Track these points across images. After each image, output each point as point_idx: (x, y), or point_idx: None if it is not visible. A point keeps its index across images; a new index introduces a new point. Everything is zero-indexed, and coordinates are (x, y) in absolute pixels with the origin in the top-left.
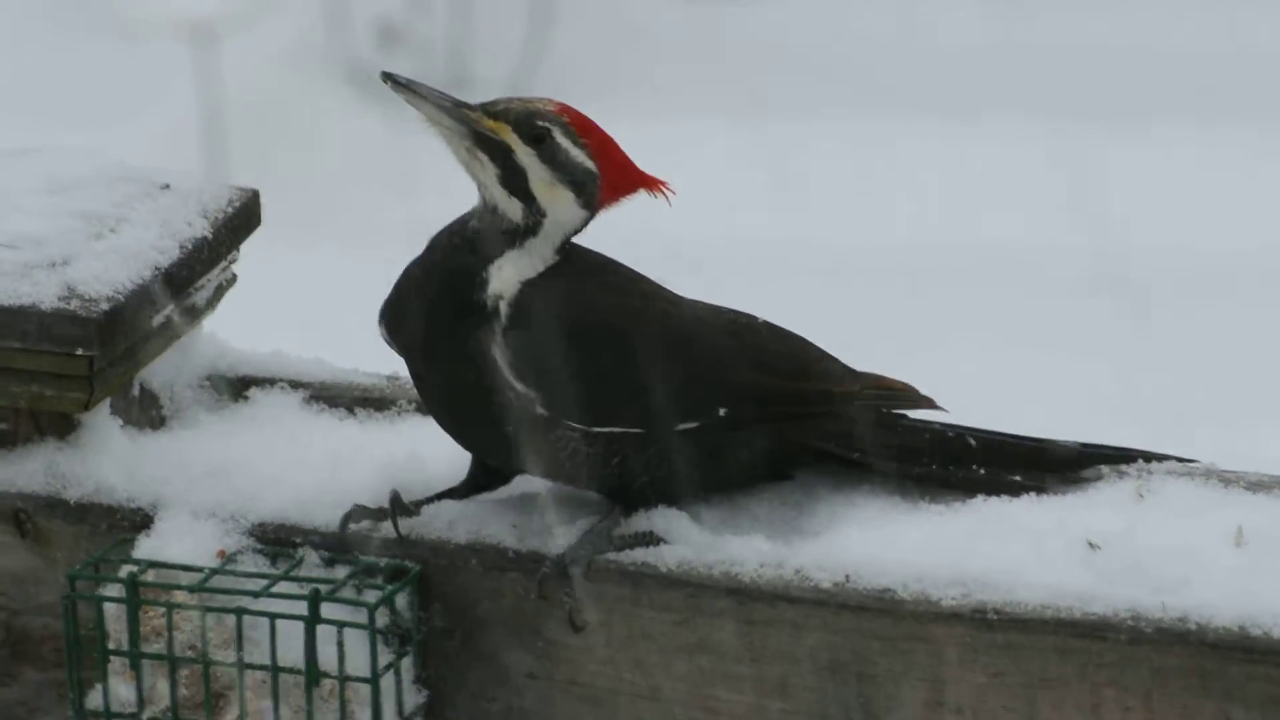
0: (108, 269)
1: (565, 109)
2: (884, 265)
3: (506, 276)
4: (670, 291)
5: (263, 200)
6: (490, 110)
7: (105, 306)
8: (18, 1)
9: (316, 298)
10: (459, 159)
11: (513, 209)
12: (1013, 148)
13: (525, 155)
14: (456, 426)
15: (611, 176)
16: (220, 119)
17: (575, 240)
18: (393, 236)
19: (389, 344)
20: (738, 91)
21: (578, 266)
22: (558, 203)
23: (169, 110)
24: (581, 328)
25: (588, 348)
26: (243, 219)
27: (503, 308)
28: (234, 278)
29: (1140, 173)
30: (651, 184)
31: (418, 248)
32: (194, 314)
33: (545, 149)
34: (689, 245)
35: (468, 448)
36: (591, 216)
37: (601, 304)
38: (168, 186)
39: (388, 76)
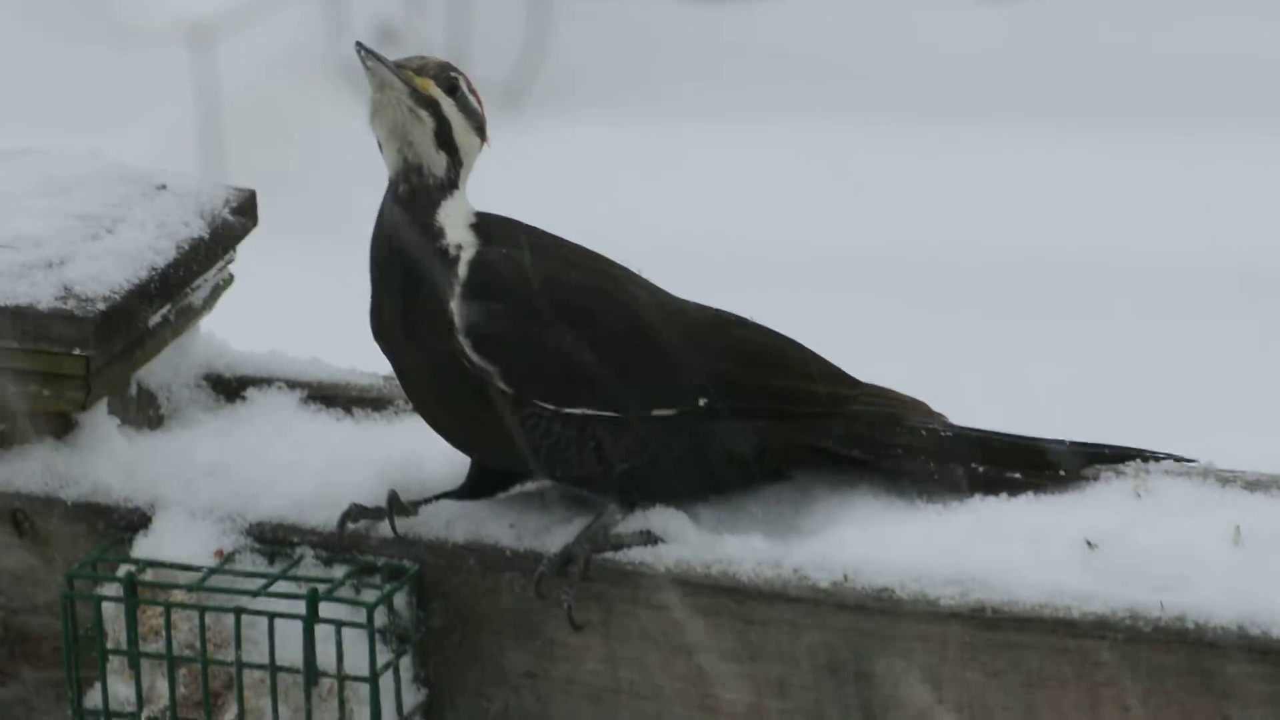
0: (104, 269)
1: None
2: (889, 267)
3: (456, 223)
4: (646, 280)
5: (260, 200)
6: (416, 70)
7: (102, 306)
8: (17, 8)
9: (313, 298)
10: (394, 122)
11: (439, 163)
12: (1017, 151)
13: (448, 107)
14: (437, 417)
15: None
16: (218, 120)
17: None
18: None
19: (384, 353)
20: (738, 93)
21: (542, 245)
22: (470, 149)
23: (167, 112)
24: (541, 302)
25: (546, 322)
26: (240, 219)
27: (462, 260)
28: (231, 278)
29: (1138, 176)
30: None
31: None
32: (191, 314)
33: (460, 99)
34: (689, 248)
35: (461, 448)
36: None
37: (568, 279)
38: (164, 187)
39: (361, 46)
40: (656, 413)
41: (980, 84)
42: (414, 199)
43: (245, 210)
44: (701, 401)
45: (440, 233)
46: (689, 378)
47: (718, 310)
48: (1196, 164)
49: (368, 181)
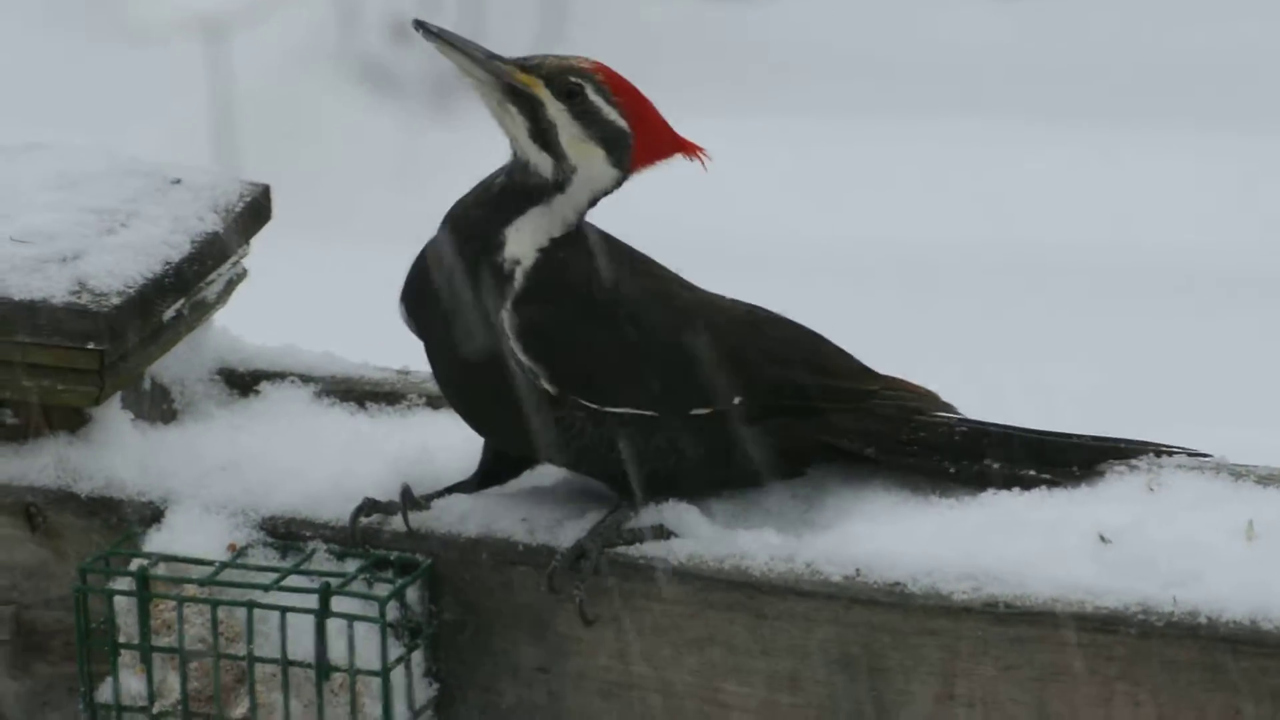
0: (119, 263)
1: (601, 67)
2: (896, 264)
3: (524, 240)
4: (685, 280)
5: (274, 195)
6: (524, 65)
7: (116, 301)
8: (30, 4)
9: (327, 292)
10: (490, 111)
11: (543, 163)
12: (1032, 147)
13: (556, 110)
14: (469, 407)
15: (646, 138)
16: (231, 115)
17: (611, 234)
18: (402, 231)
19: (408, 325)
20: (750, 90)
21: (593, 245)
22: (587, 159)
23: (181, 107)
24: (592, 303)
25: (597, 323)
26: (253, 214)
27: (518, 274)
28: (245, 272)
29: (1146, 173)
30: (688, 148)
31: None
32: (204, 308)
33: (576, 104)
34: (702, 242)
35: (481, 431)
36: (624, 177)
37: (614, 281)
38: (179, 181)
39: (420, 25)
40: (695, 412)
41: (994, 80)
42: (503, 196)
43: (259, 205)
44: (737, 400)
45: (500, 245)
46: (728, 377)
47: (751, 307)
48: (1210, 160)
49: (381, 176)
